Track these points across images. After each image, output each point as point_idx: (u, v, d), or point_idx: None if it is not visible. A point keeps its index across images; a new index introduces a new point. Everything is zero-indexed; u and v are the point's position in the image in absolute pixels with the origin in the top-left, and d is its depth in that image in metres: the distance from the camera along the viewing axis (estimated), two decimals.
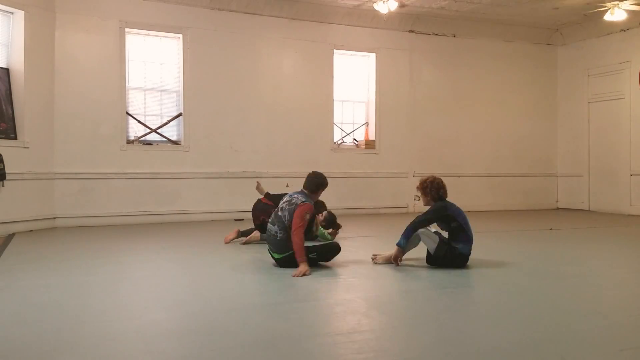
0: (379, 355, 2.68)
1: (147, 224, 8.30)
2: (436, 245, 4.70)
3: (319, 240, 6.06)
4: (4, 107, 7.45)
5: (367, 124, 10.55)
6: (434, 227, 4.91)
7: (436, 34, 10.73)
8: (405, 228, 4.74)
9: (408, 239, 4.74)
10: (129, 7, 8.56)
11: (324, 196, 5.46)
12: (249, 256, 5.44)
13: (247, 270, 4.83)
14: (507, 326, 3.12)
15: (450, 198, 4.84)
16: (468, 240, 4.71)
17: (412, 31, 10.55)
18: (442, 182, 4.86)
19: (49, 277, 4.46)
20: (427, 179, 4.87)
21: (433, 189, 4.80)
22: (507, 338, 2.94)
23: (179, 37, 8.96)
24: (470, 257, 4.77)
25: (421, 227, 4.73)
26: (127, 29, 8.58)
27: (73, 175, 8.15)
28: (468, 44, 10.94)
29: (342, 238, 6.66)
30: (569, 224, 8.60)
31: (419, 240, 4.81)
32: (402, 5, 8.13)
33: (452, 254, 4.68)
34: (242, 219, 8.74)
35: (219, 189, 9.02)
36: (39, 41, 7.77)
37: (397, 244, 4.75)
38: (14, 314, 3.36)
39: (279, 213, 4.74)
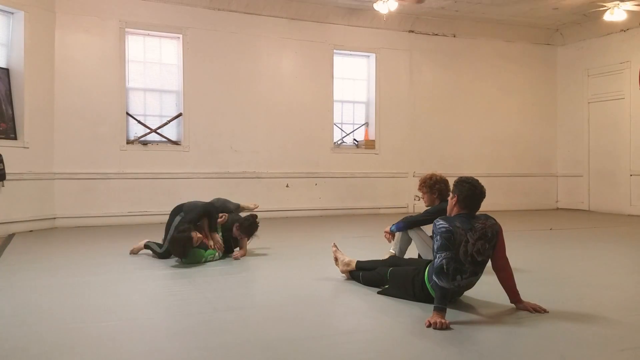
0: (379, 356, 2.68)
1: (147, 224, 8.29)
2: (429, 250, 4.09)
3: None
4: (4, 107, 7.45)
5: (367, 124, 10.55)
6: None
7: (436, 34, 10.73)
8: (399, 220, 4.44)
9: (399, 230, 4.40)
10: (129, 7, 8.56)
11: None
12: (247, 256, 5.44)
13: (247, 270, 4.83)
14: (506, 325, 3.12)
15: None
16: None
17: (412, 31, 10.55)
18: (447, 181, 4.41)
19: (49, 277, 4.46)
20: (433, 176, 4.50)
21: (440, 185, 4.42)
22: (505, 338, 2.94)
23: (178, 37, 8.97)
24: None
25: (416, 226, 4.36)
26: (127, 29, 8.58)
27: (73, 175, 8.15)
28: (468, 44, 10.94)
29: (344, 237, 6.65)
30: (569, 224, 8.60)
31: (409, 242, 4.50)
32: (419, 1, 8.02)
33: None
34: None
35: (219, 189, 8.99)
36: (39, 41, 7.77)
37: (391, 229, 4.45)
38: (14, 314, 3.36)
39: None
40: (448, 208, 3.47)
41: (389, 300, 3.66)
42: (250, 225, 5.36)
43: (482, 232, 3.28)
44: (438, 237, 3.20)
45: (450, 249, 3.16)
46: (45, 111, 7.90)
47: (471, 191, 3.34)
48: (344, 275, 4.29)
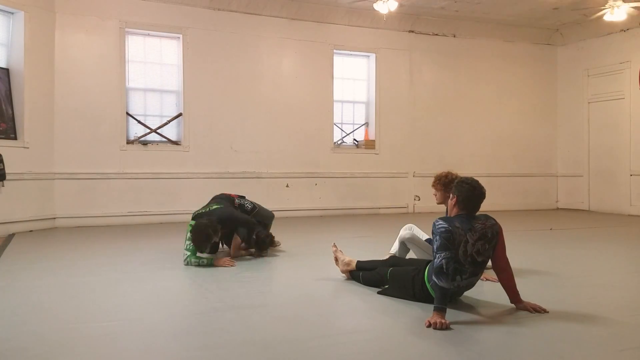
0: (380, 356, 2.68)
1: (147, 224, 8.30)
2: (428, 256, 3.96)
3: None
4: (4, 107, 7.45)
5: (367, 124, 10.55)
6: (426, 235, 4.50)
7: (436, 34, 10.73)
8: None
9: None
10: (129, 7, 8.56)
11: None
12: (247, 256, 5.44)
13: (247, 270, 4.83)
14: (506, 325, 3.12)
15: None
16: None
17: (412, 31, 10.55)
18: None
19: (49, 277, 4.46)
20: (449, 174, 4.38)
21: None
22: (505, 338, 2.94)
23: (179, 37, 8.97)
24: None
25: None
26: (127, 29, 8.58)
27: (73, 175, 8.15)
28: (468, 44, 10.94)
29: (344, 238, 6.65)
30: (569, 224, 8.60)
31: (407, 251, 4.51)
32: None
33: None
34: None
35: (219, 189, 8.97)
36: (39, 41, 7.77)
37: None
38: (14, 314, 3.36)
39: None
40: (448, 208, 3.46)
41: (389, 300, 3.66)
42: (262, 243, 5.29)
43: (482, 233, 3.28)
44: (437, 237, 3.20)
45: (449, 248, 3.16)
46: (45, 111, 7.90)
47: (471, 192, 3.34)
48: (344, 275, 4.29)
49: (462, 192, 3.35)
